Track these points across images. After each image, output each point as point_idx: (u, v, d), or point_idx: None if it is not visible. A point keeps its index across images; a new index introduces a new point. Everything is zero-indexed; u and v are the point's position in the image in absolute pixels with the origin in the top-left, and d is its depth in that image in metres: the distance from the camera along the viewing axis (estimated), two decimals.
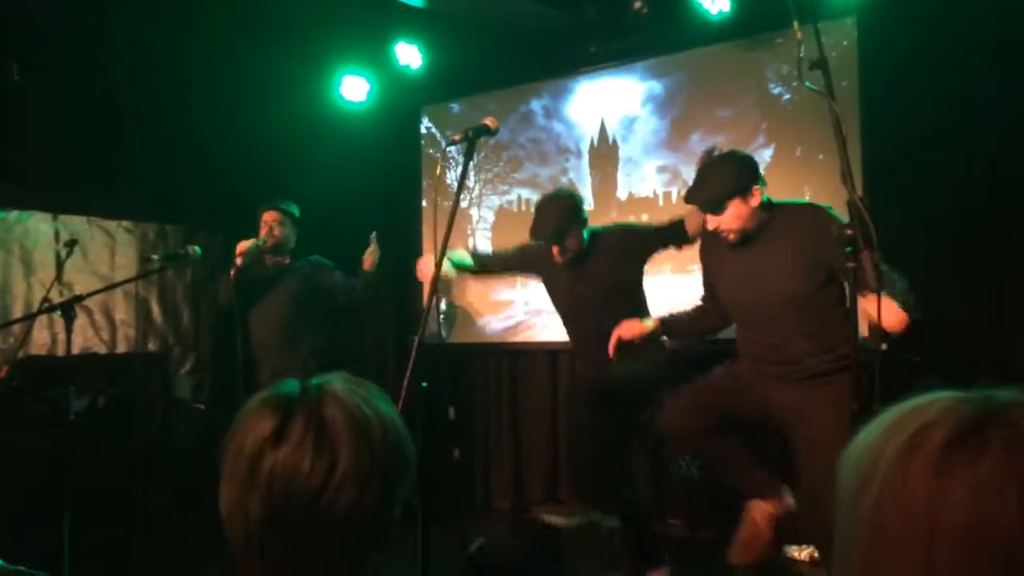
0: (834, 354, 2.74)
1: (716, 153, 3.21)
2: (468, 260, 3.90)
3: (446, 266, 3.45)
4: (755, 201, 2.87)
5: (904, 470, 0.66)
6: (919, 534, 0.64)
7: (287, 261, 4.35)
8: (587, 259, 3.60)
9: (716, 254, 3.08)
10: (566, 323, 3.89)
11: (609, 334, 3.26)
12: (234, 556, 0.95)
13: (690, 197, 3.02)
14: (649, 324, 3.31)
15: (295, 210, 4.39)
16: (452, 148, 5.58)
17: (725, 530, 3.35)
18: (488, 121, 2.51)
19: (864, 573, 0.68)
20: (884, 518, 0.66)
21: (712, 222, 2.89)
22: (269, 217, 4.29)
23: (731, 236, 2.89)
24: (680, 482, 4.64)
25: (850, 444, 0.73)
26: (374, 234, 4.30)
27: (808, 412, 2.74)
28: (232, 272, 4.01)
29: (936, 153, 4.16)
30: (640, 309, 3.64)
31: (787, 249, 2.81)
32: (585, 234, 3.59)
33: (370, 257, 4.28)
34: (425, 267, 3.77)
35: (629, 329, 3.27)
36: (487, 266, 4.06)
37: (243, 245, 4.07)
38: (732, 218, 2.87)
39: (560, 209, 3.51)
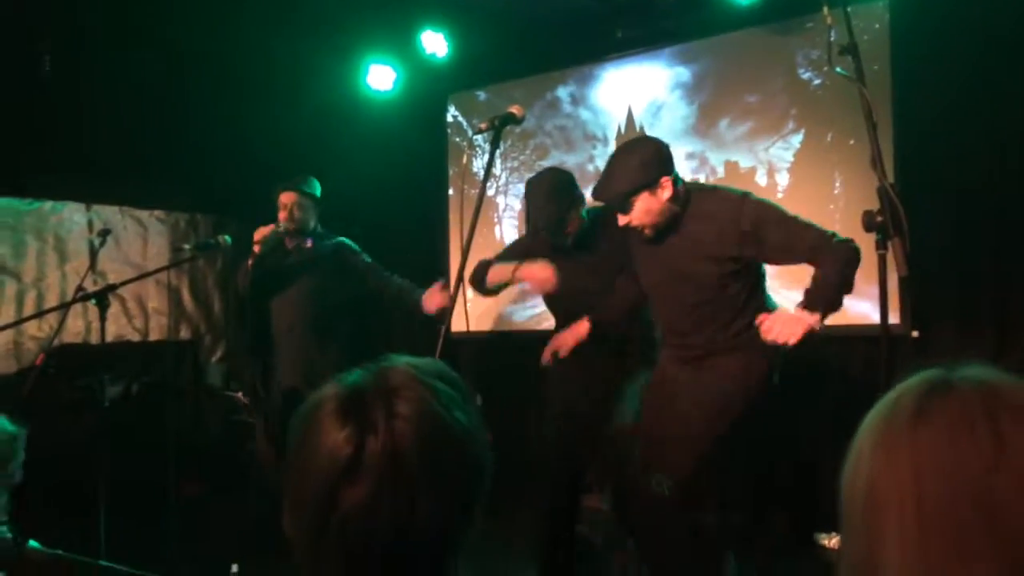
0: (727, 332, 2.80)
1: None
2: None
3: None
4: (665, 194, 2.75)
5: (886, 434, 0.72)
6: (906, 486, 0.69)
7: (309, 244, 4.20)
8: (588, 243, 3.29)
9: (636, 244, 2.99)
10: (558, 314, 3.53)
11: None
12: (299, 554, 0.90)
13: (596, 193, 2.88)
14: (583, 327, 3.12)
15: (316, 189, 4.23)
16: (478, 136, 5.59)
17: None
18: (514, 109, 2.50)
19: (868, 542, 0.71)
20: (876, 483, 0.71)
21: (622, 219, 2.80)
22: (287, 199, 4.12)
23: (645, 231, 2.82)
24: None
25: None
26: (442, 281, 4.02)
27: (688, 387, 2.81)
28: (250, 260, 3.93)
29: (969, 137, 4.09)
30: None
31: (696, 238, 2.77)
32: (584, 214, 3.29)
33: (438, 300, 3.89)
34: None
35: (564, 341, 3.12)
36: (493, 287, 3.57)
37: (261, 232, 3.97)
38: (642, 213, 2.77)
39: (551, 191, 3.21)
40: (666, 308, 3.00)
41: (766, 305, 2.97)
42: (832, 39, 2.01)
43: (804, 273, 4.61)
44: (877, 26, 4.34)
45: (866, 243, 2.12)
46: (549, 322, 5.53)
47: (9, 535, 2.02)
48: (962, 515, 0.66)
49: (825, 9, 2.00)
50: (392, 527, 0.84)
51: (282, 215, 4.11)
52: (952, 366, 0.76)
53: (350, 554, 0.85)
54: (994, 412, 0.69)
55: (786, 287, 4.65)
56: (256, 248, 3.94)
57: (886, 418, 0.74)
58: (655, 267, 2.95)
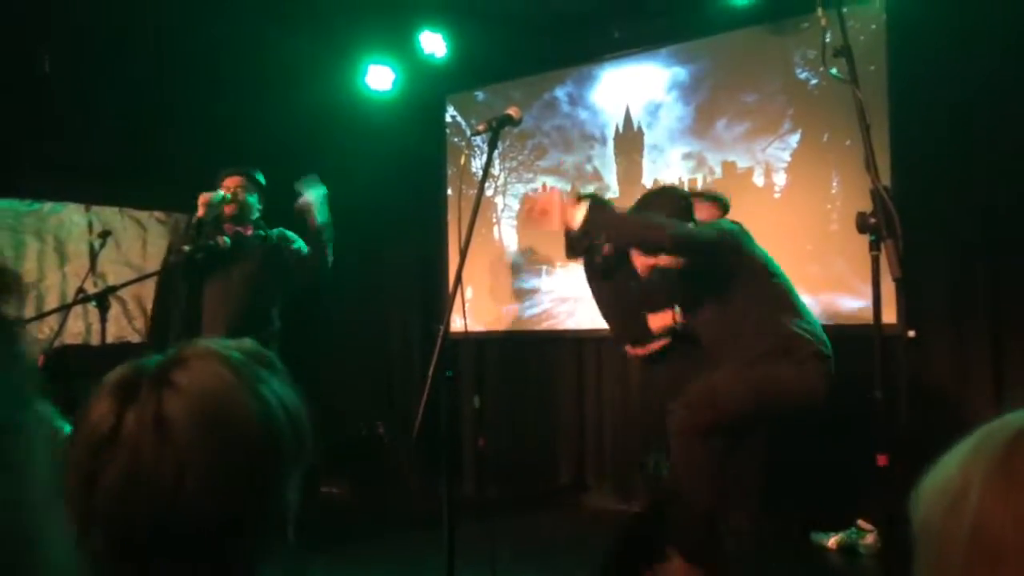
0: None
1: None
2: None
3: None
4: None
5: (1006, 477, 0.63)
6: None
7: (249, 232, 4.05)
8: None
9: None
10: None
11: None
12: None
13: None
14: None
15: (261, 178, 4.12)
16: (477, 137, 5.61)
17: None
18: (511, 111, 2.51)
19: None
20: (987, 533, 0.63)
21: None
22: (232, 182, 3.98)
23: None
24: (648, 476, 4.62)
25: (927, 475, 0.70)
26: (304, 179, 3.94)
27: None
28: (194, 219, 3.77)
29: (966, 137, 4.11)
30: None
31: None
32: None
33: (304, 201, 3.87)
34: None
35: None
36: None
37: (206, 195, 3.80)
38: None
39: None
40: None
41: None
42: (827, 40, 2.02)
43: (802, 270, 4.63)
44: (874, 27, 4.35)
45: (861, 244, 2.14)
46: (549, 322, 5.56)
47: None
48: None
49: (819, 11, 2.02)
50: (153, 502, 0.77)
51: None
52: None
53: (113, 535, 0.78)
54: None
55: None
56: (200, 211, 3.77)
57: (1003, 463, 0.64)
58: None
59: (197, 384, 0.82)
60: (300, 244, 4.08)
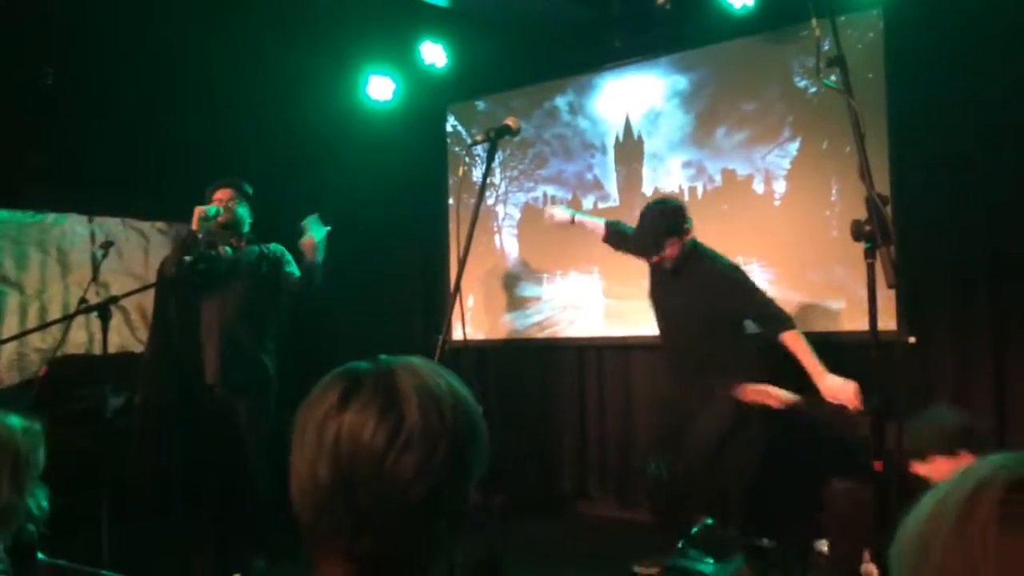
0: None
1: None
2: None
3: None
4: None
5: (965, 527, 0.64)
6: None
7: (242, 245, 4.08)
8: (683, 273, 3.71)
9: None
10: (659, 326, 4.02)
11: (702, 359, 3.55)
12: (305, 533, 0.92)
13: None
14: (784, 395, 3.47)
15: (249, 189, 4.14)
16: (476, 147, 5.63)
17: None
18: (509, 121, 2.53)
19: None
20: None
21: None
22: (223, 195, 4.01)
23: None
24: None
25: (904, 520, 0.71)
26: (309, 218, 4.02)
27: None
28: (182, 246, 3.82)
29: (964, 144, 4.11)
30: (739, 346, 3.73)
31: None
32: (689, 244, 3.70)
33: (308, 242, 3.95)
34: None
35: (759, 394, 3.46)
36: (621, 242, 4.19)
37: (201, 209, 3.82)
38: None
39: (658, 216, 3.64)
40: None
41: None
42: (823, 49, 2.03)
43: (802, 277, 4.63)
44: (871, 35, 4.36)
45: (860, 251, 2.14)
46: (550, 330, 5.57)
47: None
48: None
49: (814, 21, 2.03)
50: (381, 446, 0.88)
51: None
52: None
53: (340, 477, 0.89)
54: None
55: (785, 293, 4.68)
56: (195, 225, 3.78)
57: (961, 519, 0.64)
58: None
59: (418, 366, 0.96)
60: (293, 268, 4.12)
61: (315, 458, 0.90)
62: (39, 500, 1.78)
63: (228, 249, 3.87)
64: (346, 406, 0.91)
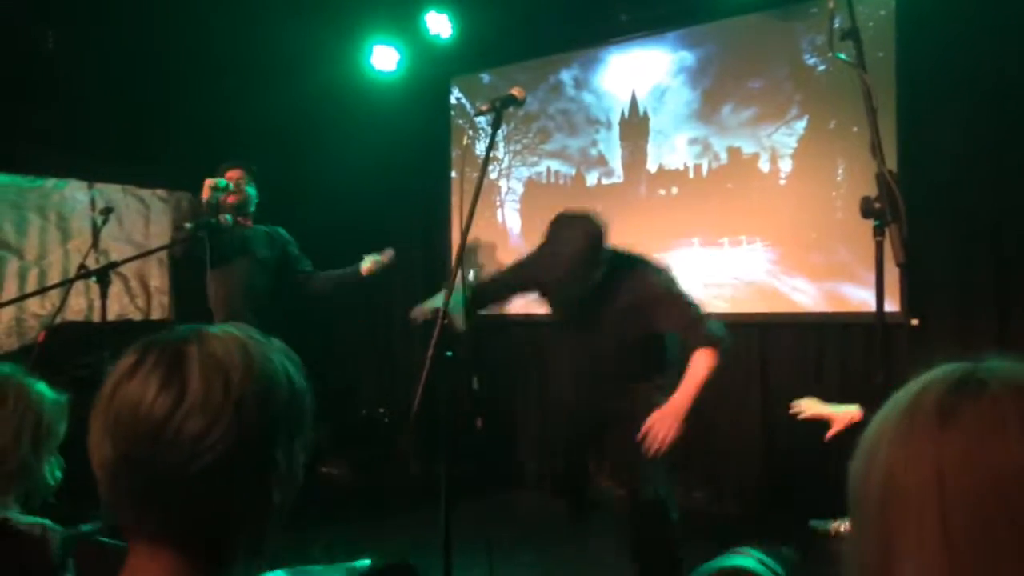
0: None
1: None
2: (467, 300, 3.34)
3: (456, 313, 2.99)
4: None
5: (908, 431, 0.67)
6: (929, 486, 0.64)
7: (249, 224, 4.22)
8: (606, 287, 3.13)
9: None
10: (561, 329, 3.53)
11: (614, 373, 3.17)
12: (109, 512, 0.89)
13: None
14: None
15: (255, 169, 4.29)
16: (481, 118, 5.57)
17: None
18: (515, 91, 2.49)
19: (883, 542, 0.67)
20: (894, 481, 0.67)
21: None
22: (234, 175, 4.14)
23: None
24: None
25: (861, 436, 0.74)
26: (391, 252, 4.34)
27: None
28: (203, 201, 3.95)
29: (973, 124, 4.07)
30: (660, 361, 3.26)
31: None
32: (605, 258, 3.09)
33: (373, 266, 4.28)
34: (417, 312, 3.45)
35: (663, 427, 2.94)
36: (492, 298, 3.59)
37: (211, 180, 3.96)
38: None
39: (583, 251, 3.02)
40: None
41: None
42: (836, 25, 1.99)
43: (806, 258, 4.61)
44: (882, 12, 4.31)
45: (865, 232, 2.12)
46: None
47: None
48: (989, 522, 0.62)
49: None
50: (160, 414, 0.84)
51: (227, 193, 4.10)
52: (978, 360, 0.70)
53: (119, 451, 0.86)
54: None
55: (788, 273, 4.66)
56: (205, 194, 3.93)
57: (908, 413, 0.68)
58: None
59: (217, 335, 0.91)
60: (306, 264, 4.36)
61: (100, 437, 0.87)
62: (54, 469, 1.80)
63: (228, 217, 3.85)
64: (131, 376, 0.87)
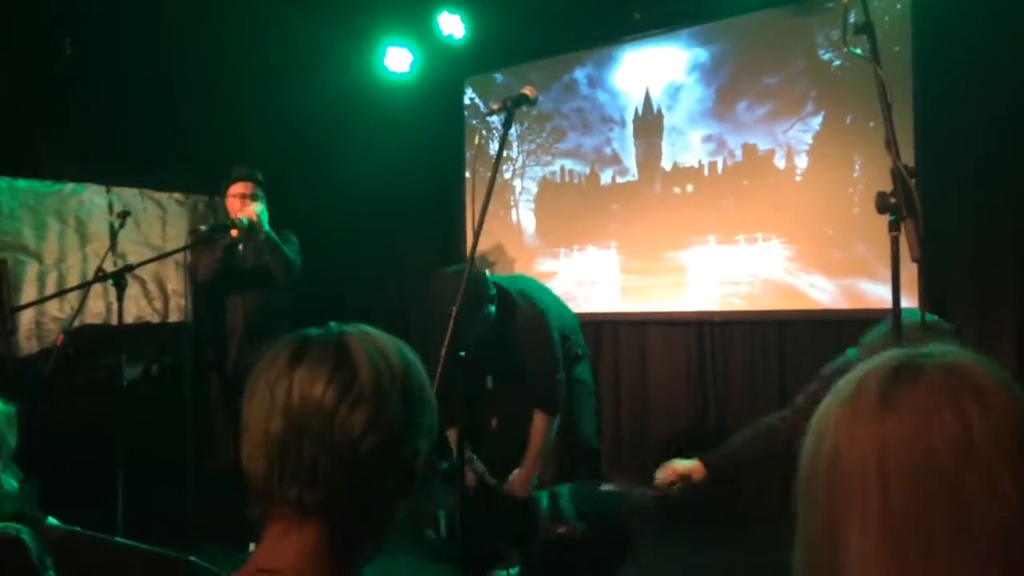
0: None
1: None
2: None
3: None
4: None
5: (852, 415, 0.71)
6: (870, 464, 0.68)
7: (262, 237, 4.17)
8: (496, 329, 3.36)
9: None
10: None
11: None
12: (255, 487, 0.94)
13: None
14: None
15: (260, 175, 4.28)
16: (494, 118, 5.56)
17: None
18: (527, 90, 2.49)
19: (829, 518, 0.70)
20: (840, 459, 0.70)
21: None
22: (245, 188, 4.14)
23: None
24: None
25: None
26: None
27: None
28: (219, 252, 3.97)
29: (990, 119, 4.03)
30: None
31: None
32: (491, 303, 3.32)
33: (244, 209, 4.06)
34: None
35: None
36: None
37: (237, 232, 3.97)
38: None
39: (473, 309, 3.09)
40: None
41: None
42: (851, 20, 1.98)
43: (823, 254, 4.57)
44: (899, 6, 4.27)
45: (882, 228, 2.10)
46: (568, 305, 5.53)
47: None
48: (927, 496, 0.66)
49: None
50: (332, 400, 0.91)
51: (238, 205, 4.11)
52: (920, 347, 0.74)
53: (291, 427, 0.91)
54: (961, 398, 0.68)
55: (805, 271, 4.64)
56: (234, 234, 3.96)
57: (852, 398, 0.72)
58: None
59: (368, 329, 1.01)
60: (295, 259, 4.26)
61: (267, 414, 0.92)
62: (9, 478, 1.84)
63: (244, 220, 3.88)
64: (297, 364, 0.93)
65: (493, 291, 3.33)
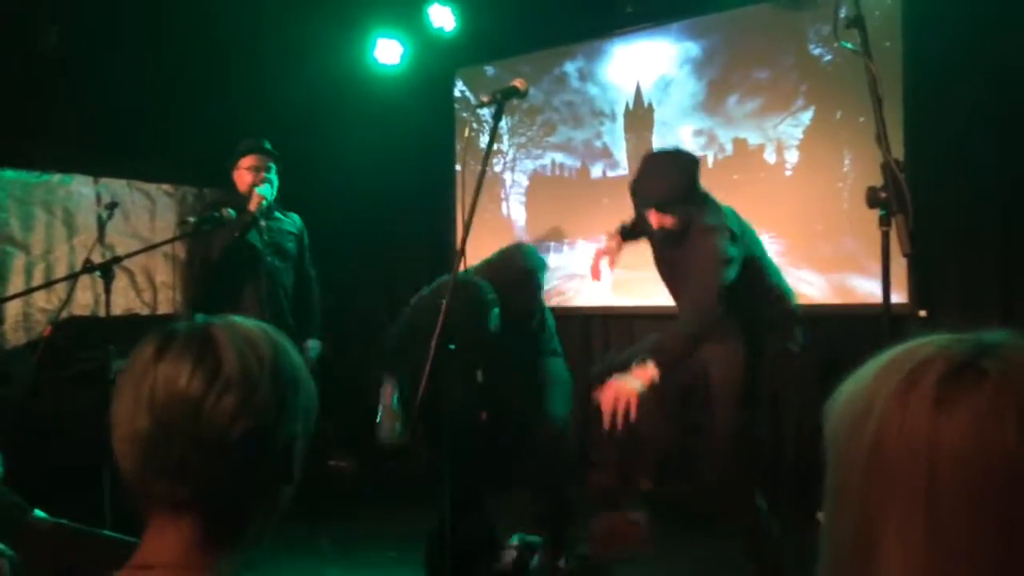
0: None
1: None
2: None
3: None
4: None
5: (902, 405, 0.66)
6: (919, 466, 0.64)
7: (274, 213, 4.07)
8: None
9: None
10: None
11: None
12: (129, 484, 0.94)
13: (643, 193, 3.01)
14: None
15: (269, 146, 4.10)
16: (485, 111, 5.53)
17: None
18: (517, 83, 2.48)
19: (864, 511, 0.67)
20: (883, 455, 0.66)
21: (657, 220, 2.96)
22: (258, 161, 3.97)
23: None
24: None
25: (838, 389, 0.73)
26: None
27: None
28: (237, 231, 3.81)
29: (980, 115, 4.04)
30: None
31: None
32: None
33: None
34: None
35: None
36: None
37: (260, 197, 3.83)
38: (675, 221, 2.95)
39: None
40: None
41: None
42: (842, 15, 1.98)
43: (813, 249, 4.58)
44: (888, 1, 4.28)
45: (872, 223, 2.10)
46: (557, 299, 5.52)
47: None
48: (978, 511, 0.62)
49: None
50: (198, 390, 0.89)
51: (251, 179, 3.93)
52: (984, 339, 0.68)
53: (157, 424, 0.90)
54: None
55: (794, 265, 4.64)
56: (252, 209, 3.80)
57: (905, 386, 0.66)
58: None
59: (239, 322, 0.97)
60: (311, 270, 4.23)
61: (134, 411, 0.91)
62: None
63: (231, 211, 3.81)
64: (160, 358, 0.91)
65: (492, 296, 3.24)
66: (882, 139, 1.72)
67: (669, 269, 3.19)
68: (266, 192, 3.90)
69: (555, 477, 3.54)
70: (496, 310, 3.31)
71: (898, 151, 3.99)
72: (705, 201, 3.02)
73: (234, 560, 0.95)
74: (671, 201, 2.91)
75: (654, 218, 2.96)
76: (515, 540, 3.47)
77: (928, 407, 0.65)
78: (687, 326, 2.82)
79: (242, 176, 3.99)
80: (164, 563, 0.91)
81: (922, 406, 0.65)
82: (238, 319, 0.98)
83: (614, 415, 2.65)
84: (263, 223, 3.92)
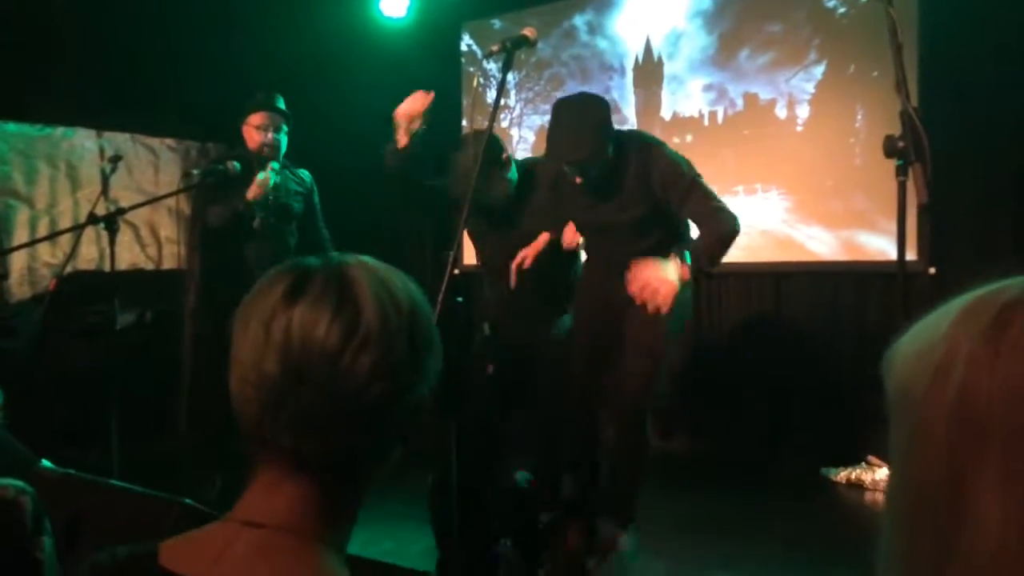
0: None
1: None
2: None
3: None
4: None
5: (993, 351, 0.60)
6: (1018, 411, 0.58)
7: (283, 172, 3.96)
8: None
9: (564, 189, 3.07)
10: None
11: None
12: (246, 431, 0.86)
13: (562, 156, 2.92)
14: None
15: (282, 103, 3.98)
16: (492, 66, 5.46)
17: None
18: (527, 32, 2.41)
19: (953, 465, 0.61)
20: (973, 404, 0.60)
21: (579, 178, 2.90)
22: (266, 119, 3.85)
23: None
24: None
25: (904, 338, 0.67)
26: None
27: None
28: (242, 204, 3.71)
29: (996, 64, 3.97)
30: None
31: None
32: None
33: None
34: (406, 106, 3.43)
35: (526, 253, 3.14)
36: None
37: (260, 188, 3.71)
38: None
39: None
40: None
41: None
42: None
43: (823, 205, 4.54)
44: None
45: (884, 179, 2.06)
46: None
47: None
48: None
49: None
50: (335, 342, 0.82)
51: (258, 138, 3.83)
52: None
53: (289, 369, 0.83)
54: None
55: (804, 222, 4.60)
56: (251, 195, 3.70)
57: (994, 332, 0.61)
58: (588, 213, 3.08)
59: (371, 262, 0.90)
60: (323, 230, 4.17)
61: (262, 353, 0.83)
62: None
63: (237, 165, 3.76)
64: (295, 300, 0.83)
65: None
66: (901, 87, 1.68)
67: (604, 215, 3.04)
68: (273, 175, 3.78)
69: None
70: (514, 165, 3.27)
71: (912, 98, 3.93)
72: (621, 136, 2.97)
73: (343, 533, 0.90)
74: (593, 159, 2.83)
75: (576, 175, 2.89)
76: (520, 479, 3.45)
77: (1021, 349, 0.59)
78: (725, 223, 2.80)
79: (251, 134, 3.89)
80: (276, 524, 0.84)
81: (1016, 356, 0.59)
82: (372, 261, 0.91)
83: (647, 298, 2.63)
84: (234, 170, 3.73)
